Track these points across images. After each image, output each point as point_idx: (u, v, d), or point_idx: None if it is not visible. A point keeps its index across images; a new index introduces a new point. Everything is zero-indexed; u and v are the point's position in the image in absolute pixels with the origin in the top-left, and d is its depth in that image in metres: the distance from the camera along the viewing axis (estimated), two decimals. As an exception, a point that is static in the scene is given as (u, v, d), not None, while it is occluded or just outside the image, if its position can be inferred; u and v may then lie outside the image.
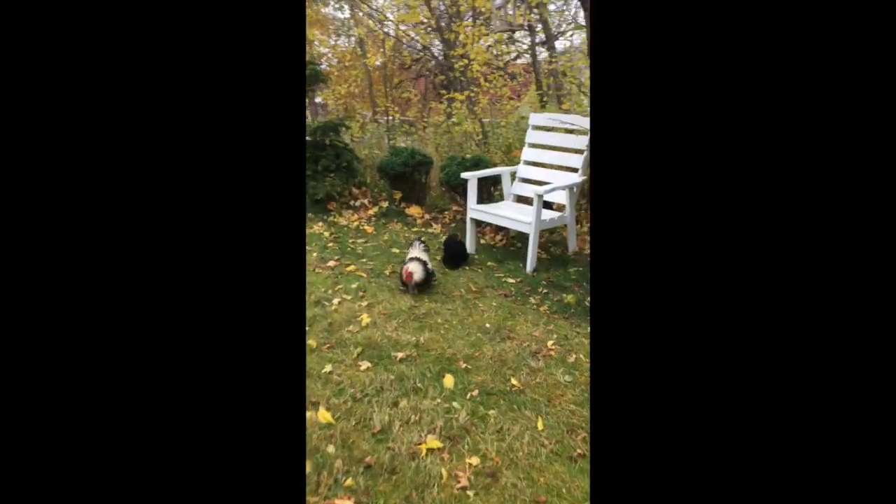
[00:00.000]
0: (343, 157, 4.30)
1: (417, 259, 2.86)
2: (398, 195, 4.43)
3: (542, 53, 5.79)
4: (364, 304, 2.75)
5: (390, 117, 6.18)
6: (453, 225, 4.22)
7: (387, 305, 2.73)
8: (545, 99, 5.51)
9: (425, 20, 5.54)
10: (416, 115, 6.53)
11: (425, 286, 2.87)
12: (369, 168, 4.83)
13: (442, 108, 5.65)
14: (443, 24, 5.67)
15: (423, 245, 3.04)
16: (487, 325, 2.52)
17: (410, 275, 2.78)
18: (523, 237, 3.88)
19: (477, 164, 3.78)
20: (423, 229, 4.12)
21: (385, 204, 4.44)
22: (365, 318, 2.57)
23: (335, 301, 2.76)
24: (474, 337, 2.40)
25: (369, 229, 4.07)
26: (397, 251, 3.62)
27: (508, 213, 3.31)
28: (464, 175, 3.49)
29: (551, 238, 3.83)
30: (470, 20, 5.59)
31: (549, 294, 2.90)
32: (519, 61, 6.76)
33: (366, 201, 4.45)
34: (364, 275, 3.18)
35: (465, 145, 5.00)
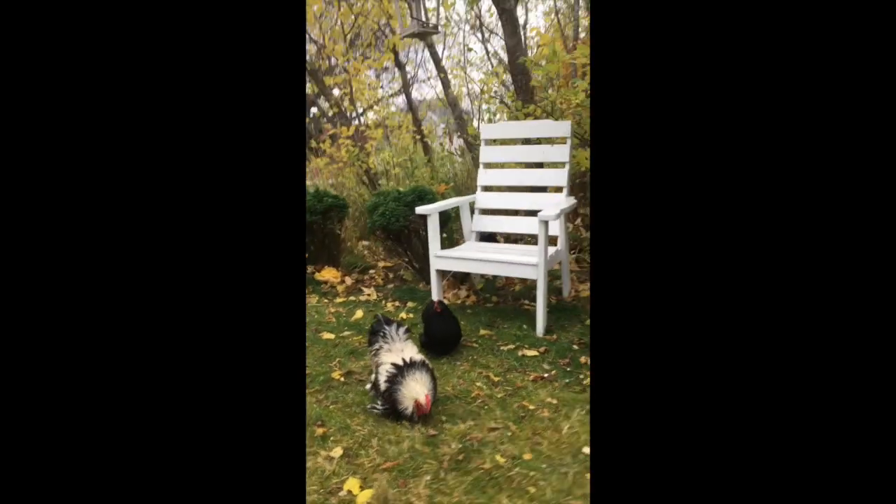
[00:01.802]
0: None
1: (417, 366, 1.64)
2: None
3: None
4: (335, 451, 1.49)
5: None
6: (391, 286, 3.08)
7: (383, 448, 1.51)
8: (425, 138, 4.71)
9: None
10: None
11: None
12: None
13: (324, 145, 4.53)
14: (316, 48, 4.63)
15: (404, 331, 1.81)
16: (582, 447, 1.46)
17: (427, 403, 1.58)
18: (493, 288, 2.91)
19: (421, 199, 2.74)
20: (351, 299, 2.90)
21: (283, 272, 3.13)
22: (354, 486, 1.33)
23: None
24: (584, 475, 1.32)
25: (271, 312, 2.74)
26: (331, 337, 2.38)
27: (503, 256, 2.32)
28: (420, 210, 2.43)
29: (510, 282, 2.92)
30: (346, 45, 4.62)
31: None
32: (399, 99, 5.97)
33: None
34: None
35: (379, 182, 3.96)
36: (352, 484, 1.34)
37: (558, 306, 2.61)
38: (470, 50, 5.22)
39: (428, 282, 2.91)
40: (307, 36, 4.48)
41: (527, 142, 2.81)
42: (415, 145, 4.73)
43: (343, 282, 3.08)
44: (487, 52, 5.26)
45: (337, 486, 1.34)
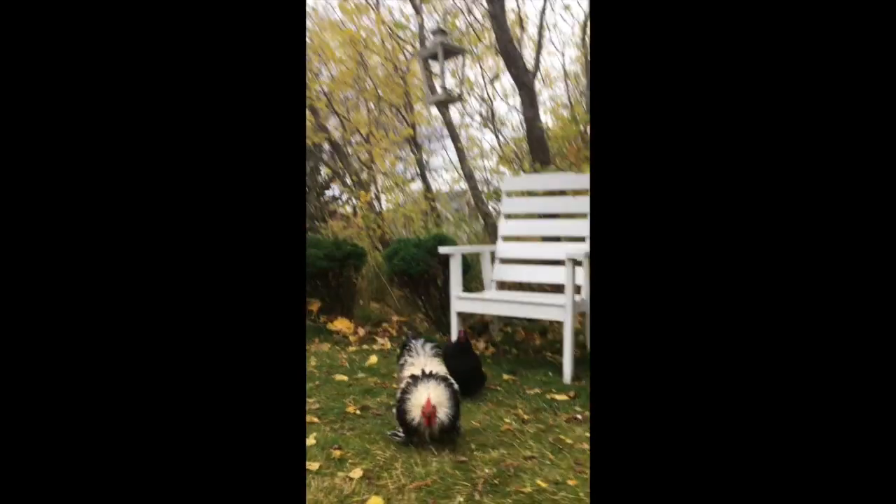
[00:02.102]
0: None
1: (435, 378, 1.51)
2: (315, 306, 3.07)
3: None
4: (354, 472, 1.33)
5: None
6: (404, 338, 2.96)
7: (409, 469, 1.35)
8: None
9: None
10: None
11: (450, 432, 1.50)
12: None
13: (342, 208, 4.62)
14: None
15: (431, 347, 1.71)
16: None
17: (433, 411, 1.42)
18: (512, 341, 2.80)
19: (442, 245, 2.73)
20: (364, 347, 2.78)
21: (295, 320, 3.03)
22: (378, 503, 1.17)
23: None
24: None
25: (281, 355, 2.61)
26: (343, 378, 2.24)
27: (529, 297, 2.25)
28: (443, 250, 2.40)
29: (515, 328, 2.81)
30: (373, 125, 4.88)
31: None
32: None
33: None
34: (316, 419, 1.74)
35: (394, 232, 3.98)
36: (375, 502, 1.18)
37: (583, 359, 2.48)
38: (486, 125, 5.47)
39: (444, 332, 2.81)
40: (330, 108, 4.73)
41: (549, 193, 2.85)
42: (430, 215, 4.82)
43: (356, 332, 2.98)
44: (499, 141, 5.54)
45: (358, 505, 1.18)
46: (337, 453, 1.45)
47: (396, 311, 3.32)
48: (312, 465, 1.38)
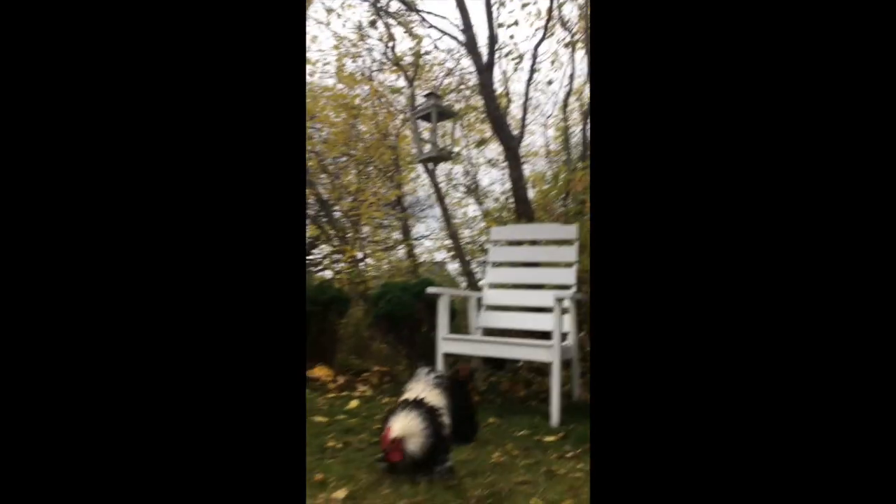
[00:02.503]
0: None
1: (416, 406, 1.42)
2: (294, 352, 2.98)
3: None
4: (338, 493, 1.25)
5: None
6: (388, 385, 2.87)
7: (397, 489, 1.27)
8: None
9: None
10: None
11: (430, 465, 1.38)
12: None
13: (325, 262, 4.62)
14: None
15: (435, 377, 1.61)
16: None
17: (395, 445, 1.31)
18: (497, 391, 2.73)
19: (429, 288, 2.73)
20: (344, 394, 2.68)
21: (273, 366, 2.92)
22: (364, 520, 1.10)
23: None
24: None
25: (256, 398, 2.49)
26: (323, 419, 2.14)
27: (517, 341, 2.24)
28: (431, 290, 2.40)
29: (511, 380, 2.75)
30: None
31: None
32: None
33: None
34: (296, 450, 1.64)
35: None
36: (361, 517, 1.10)
37: (570, 407, 2.42)
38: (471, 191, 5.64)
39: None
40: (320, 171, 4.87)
41: (534, 243, 2.91)
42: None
43: (335, 381, 2.87)
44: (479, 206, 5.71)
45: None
46: (318, 477, 1.36)
47: (378, 362, 3.24)
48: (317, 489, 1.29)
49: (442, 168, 5.42)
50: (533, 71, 4.29)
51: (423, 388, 1.55)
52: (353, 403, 2.42)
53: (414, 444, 1.33)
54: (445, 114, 3.51)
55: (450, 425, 1.46)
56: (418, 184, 6.24)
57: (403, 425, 1.34)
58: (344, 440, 1.82)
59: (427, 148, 3.51)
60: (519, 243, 2.91)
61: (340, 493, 1.25)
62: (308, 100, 4.93)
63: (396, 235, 5.86)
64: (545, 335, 2.41)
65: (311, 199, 5.04)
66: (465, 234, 5.67)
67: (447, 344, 2.35)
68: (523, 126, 4.42)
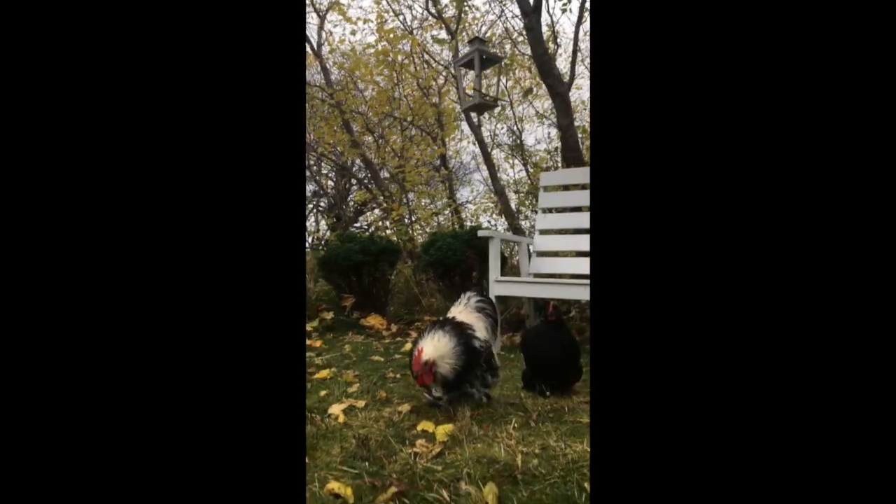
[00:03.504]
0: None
1: (446, 325, 1.32)
2: (348, 301, 3.06)
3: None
4: (403, 407, 1.29)
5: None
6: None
7: (449, 410, 1.30)
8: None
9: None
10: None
11: (458, 389, 1.30)
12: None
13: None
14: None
15: (478, 298, 1.56)
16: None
17: (426, 368, 1.21)
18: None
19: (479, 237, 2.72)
20: (398, 339, 2.74)
21: (329, 315, 3.01)
22: (428, 426, 1.12)
23: (336, 409, 1.26)
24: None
25: (315, 342, 2.58)
26: (379, 359, 2.20)
27: (563, 280, 2.21)
28: (483, 233, 2.39)
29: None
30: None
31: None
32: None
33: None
34: (356, 379, 1.70)
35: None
36: (425, 424, 1.13)
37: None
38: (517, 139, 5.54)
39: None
40: (365, 125, 4.89)
41: (585, 187, 2.84)
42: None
43: (389, 328, 2.94)
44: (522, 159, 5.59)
45: (408, 427, 1.13)
46: (382, 394, 1.40)
47: (430, 314, 3.29)
48: (358, 403, 1.34)
49: (486, 129, 5.33)
50: (582, 11, 4.09)
51: (461, 310, 1.50)
52: (408, 346, 2.47)
53: (446, 368, 1.24)
54: (490, 60, 3.42)
55: (487, 345, 1.38)
56: (462, 147, 6.17)
57: (435, 348, 1.25)
58: (402, 373, 1.86)
59: (472, 95, 3.44)
60: (566, 188, 2.84)
61: (405, 407, 1.28)
62: (351, 59, 4.92)
63: (441, 201, 5.85)
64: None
65: (358, 162, 5.09)
66: (511, 196, 5.60)
67: (499, 286, 2.34)
68: (573, 73, 4.26)
